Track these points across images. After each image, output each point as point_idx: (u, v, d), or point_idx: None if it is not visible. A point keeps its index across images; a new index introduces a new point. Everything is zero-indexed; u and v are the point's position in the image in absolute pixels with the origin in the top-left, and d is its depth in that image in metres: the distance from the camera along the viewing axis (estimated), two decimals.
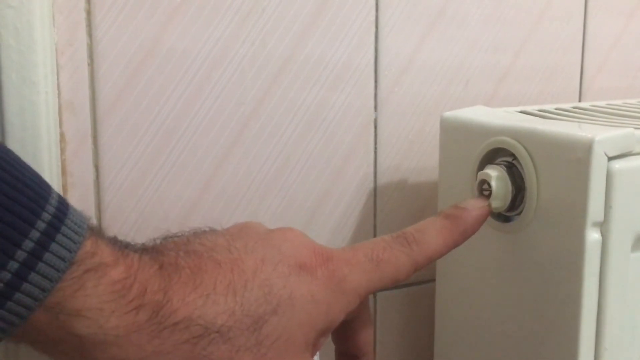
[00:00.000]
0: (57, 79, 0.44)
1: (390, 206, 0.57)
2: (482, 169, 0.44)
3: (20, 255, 0.27)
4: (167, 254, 0.33)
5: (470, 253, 0.47)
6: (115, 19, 0.46)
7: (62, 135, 0.45)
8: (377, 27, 0.55)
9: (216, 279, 0.32)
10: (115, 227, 0.47)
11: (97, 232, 0.31)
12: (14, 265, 0.27)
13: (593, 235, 0.40)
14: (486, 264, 0.47)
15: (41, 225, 0.28)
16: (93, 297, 0.29)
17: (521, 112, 0.51)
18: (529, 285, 0.44)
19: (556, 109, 0.54)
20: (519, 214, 0.44)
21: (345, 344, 0.41)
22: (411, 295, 0.58)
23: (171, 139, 0.48)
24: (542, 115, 0.50)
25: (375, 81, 0.55)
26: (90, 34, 0.45)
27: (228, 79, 0.50)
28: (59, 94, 0.45)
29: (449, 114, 0.50)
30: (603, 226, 0.40)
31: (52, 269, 0.28)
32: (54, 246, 0.28)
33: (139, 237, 0.48)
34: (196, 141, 0.49)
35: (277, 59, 0.51)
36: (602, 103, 0.57)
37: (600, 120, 0.48)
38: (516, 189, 0.43)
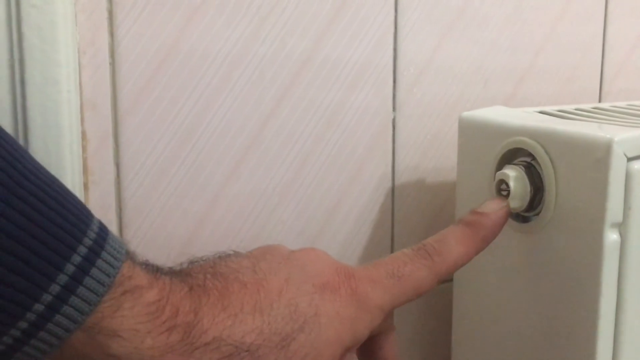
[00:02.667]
0: (79, 78, 0.45)
1: (408, 206, 0.57)
2: (501, 169, 0.44)
3: (62, 278, 0.28)
4: (195, 277, 0.33)
5: (487, 253, 0.47)
6: (137, 19, 0.46)
7: (83, 133, 0.46)
8: (396, 27, 0.55)
9: (243, 300, 0.33)
10: (136, 224, 0.48)
11: (132, 256, 0.32)
12: (55, 288, 0.28)
13: (612, 236, 0.40)
14: (504, 265, 0.47)
15: (82, 250, 0.29)
16: (129, 318, 0.30)
17: (540, 112, 0.51)
18: (547, 286, 0.44)
19: (575, 109, 0.53)
20: (537, 214, 0.43)
21: None
22: (428, 296, 0.58)
23: (191, 137, 0.49)
24: (561, 115, 0.50)
25: (394, 81, 0.56)
26: (112, 34, 0.46)
27: (247, 78, 0.50)
28: (81, 92, 0.45)
29: (467, 114, 0.49)
30: (622, 227, 0.40)
31: (91, 293, 0.29)
32: (94, 271, 0.29)
33: (159, 234, 0.48)
34: (216, 139, 0.49)
35: (296, 59, 0.51)
36: (623, 104, 0.56)
37: (620, 121, 0.48)
38: (534, 189, 0.43)
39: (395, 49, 0.55)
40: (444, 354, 0.59)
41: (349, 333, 0.35)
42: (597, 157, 0.39)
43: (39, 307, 0.28)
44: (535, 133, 0.43)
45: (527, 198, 0.43)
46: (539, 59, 0.61)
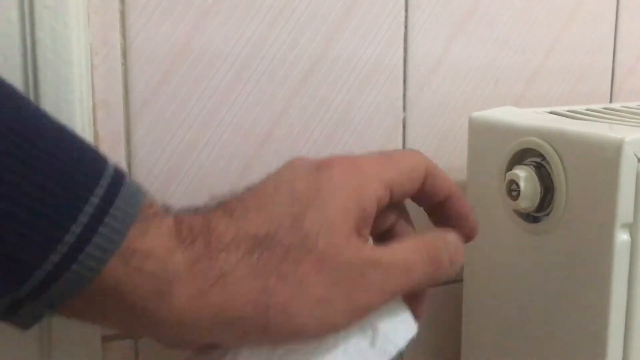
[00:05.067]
0: (92, 78, 0.45)
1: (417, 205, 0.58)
2: (511, 170, 0.44)
3: (94, 200, 0.30)
4: (198, 207, 0.36)
5: (497, 253, 0.47)
6: (148, 20, 0.46)
7: (95, 133, 0.46)
8: (406, 27, 0.55)
9: (245, 205, 0.35)
10: None
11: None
12: (88, 209, 0.30)
13: (622, 237, 0.40)
14: (514, 265, 0.47)
15: (107, 178, 0.31)
16: (158, 238, 0.32)
17: (551, 112, 0.51)
18: (557, 286, 0.44)
19: (586, 109, 0.53)
20: (548, 214, 0.43)
21: None
22: (438, 296, 0.59)
23: (202, 137, 0.49)
24: (571, 115, 0.50)
25: (404, 81, 0.56)
26: (123, 34, 0.46)
27: (258, 78, 0.50)
28: (93, 93, 0.46)
29: (477, 114, 0.50)
30: (632, 227, 0.40)
31: (121, 222, 0.31)
32: (124, 191, 0.31)
33: None
34: (226, 140, 0.50)
35: (307, 58, 0.52)
36: (634, 104, 0.56)
37: (631, 122, 0.48)
38: (545, 189, 0.43)
39: (405, 49, 0.55)
40: (453, 353, 0.59)
41: (353, 201, 0.36)
42: (607, 157, 0.39)
43: (76, 228, 0.29)
44: (545, 133, 0.43)
45: (537, 198, 0.43)
46: (550, 59, 0.61)
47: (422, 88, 0.56)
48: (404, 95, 0.56)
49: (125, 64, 0.46)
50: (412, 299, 0.40)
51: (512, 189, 0.43)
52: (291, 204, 0.35)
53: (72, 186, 0.30)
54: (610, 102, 0.65)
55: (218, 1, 0.48)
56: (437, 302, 0.59)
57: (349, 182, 0.36)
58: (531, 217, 0.45)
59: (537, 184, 0.43)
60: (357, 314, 0.35)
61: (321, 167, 0.37)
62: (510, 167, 0.45)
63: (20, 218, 0.28)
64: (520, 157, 0.45)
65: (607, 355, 0.41)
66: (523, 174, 0.43)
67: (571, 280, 0.43)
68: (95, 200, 0.30)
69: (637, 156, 0.39)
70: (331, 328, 0.35)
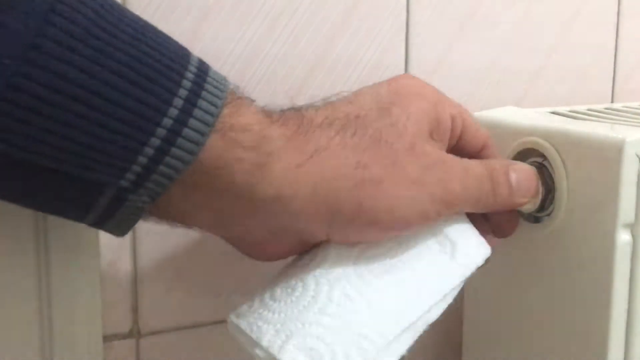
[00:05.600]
0: None
1: None
2: None
3: (189, 76, 0.31)
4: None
5: (499, 253, 0.47)
6: (150, 19, 0.46)
7: None
8: (407, 28, 0.55)
9: (331, 102, 0.36)
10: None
11: None
12: (186, 84, 0.30)
13: (623, 237, 0.40)
14: (515, 264, 0.47)
15: (192, 69, 0.31)
16: (250, 115, 0.32)
17: (552, 112, 0.51)
18: (559, 286, 0.44)
19: (588, 110, 0.53)
20: (549, 214, 0.43)
21: None
22: None
23: None
24: (573, 116, 0.50)
25: None
26: None
27: (260, 78, 0.50)
28: None
29: (479, 114, 0.50)
30: (634, 227, 0.40)
31: (215, 97, 0.31)
32: (210, 80, 0.32)
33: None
34: None
35: (308, 59, 0.52)
36: (635, 104, 0.56)
37: (632, 122, 0.48)
38: (546, 189, 0.43)
39: (406, 49, 0.55)
40: (454, 353, 0.59)
41: (432, 109, 0.37)
42: (609, 157, 0.39)
43: (177, 102, 0.30)
44: (547, 133, 0.43)
45: (539, 198, 0.43)
46: (551, 60, 0.61)
47: None
48: None
49: None
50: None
51: None
52: (376, 101, 0.36)
53: (170, 64, 0.30)
54: (612, 102, 0.65)
55: (219, 1, 0.48)
56: None
57: (428, 91, 0.38)
58: (532, 217, 0.45)
59: (539, 184, 0.43)
60: (446, 205, 0.36)
61: (400, 77, 0.39)
62: None
63: (127, 94, 0.29)
64: (522, 157, 0.45)
65: (609, 356, 0.41)
66: None
67: (572, 280, 0.43)
68: (190, 76, 0.31)
69: (638, 156, 0.39)
70: (422, 214, 0.35)
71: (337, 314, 0.34)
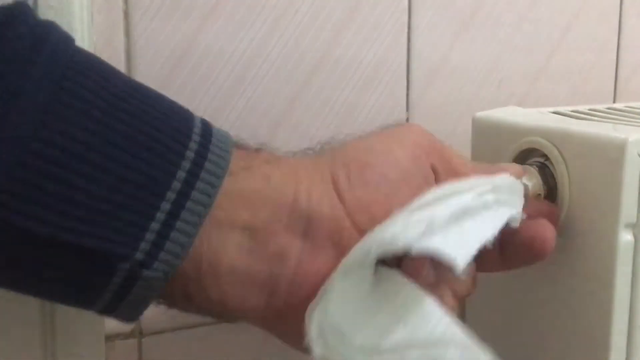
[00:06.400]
0: None
1: None
2: None
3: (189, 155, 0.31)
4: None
5: None
6: (152, 20, 0.47)
7: None
8: (409, 27, 0.55)
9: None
10: None
11: None
12: (190, 154, 0.30)
13: (625, 237, 0.40)
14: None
15: (195, 140, 0.31)
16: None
17: (554, 112, 0.51)
18: (560, 287, 0.44)
19: (590, 109, 0.53)
20: None
21: None
22: None
23: None
24: (575, 116, 0.50)
25: (407, 82, 0.56)
26: (127, 34, 0.46)
27: (261, 78, 0.50)
28: None
29: (481, 114, 0.49)
30: (636, 228, 0.40)
31: (218, 167, 0.31)
32: (212, 154, 0.31)
33: None
34: None
35: (310, 59, 0.52)
36: (638, 104, 0.56)
37: (634, 122, 0.48)
38: (548, 189, 0.43)
39: (408, 49, 0.55)
40: None
41: (425, 139, 0.38)
42: (611, 157, 0.39)
43: (171, 195, 0.29)
44: (549, 133, 0.43)
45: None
46: (554, 59, 0.61)
47: (425, 88, 0.56)
48: (407, 95, 0.56)
49: (129, 64, 0.46)
50: None
51: None
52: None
53: (174, 133, 0.30)
54: (614, 102, 0.65)
55: (221, 1, 0.48)
56: None
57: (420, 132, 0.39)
58: None
59: (541, 184, 0.43)
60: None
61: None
62: None
63: (129, 173, 0.29)
64: (524, 157, 0.45)
65: (610, 356, 0.41)
66: (526, 174, 0.43)
67: (574, 280, 0.43)
68: (194, 145, 0.31)
69: None
70: None
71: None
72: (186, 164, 0.30)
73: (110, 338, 0.48)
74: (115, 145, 0.28)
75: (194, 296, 0.32)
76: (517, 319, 0.48)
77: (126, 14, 0.46)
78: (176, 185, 0.29)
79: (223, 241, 0.31)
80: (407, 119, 0.56)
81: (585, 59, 0.63)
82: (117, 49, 0.46)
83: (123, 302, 0.30)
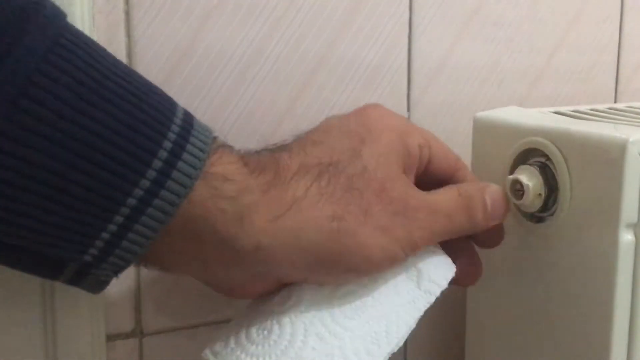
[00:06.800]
0: None
1: None
2: (515, 170, 0.44)
3: (174, 128, 0.31)
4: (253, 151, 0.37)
5: (502, 253, 0.47)
6: (153, 20, 0.47)
7: None
8: (410, 27, 0.55)
9: (302, 143, 0.37)
10: None
11: None
12: (171, 135, 0.31)
13: (626, 237, 0.40)
14: (518, 264, 0.47)
15: (177, 122, 0.32)
16: (231, 165, 0.33)
17: (555, 112, 0.51)
18: (561, 286, 0.44)
19: (591, 109, 0.53)
20: (552, 214, 0.43)
21: None
22: (441, 296, 0.58)
23: None
24: (576, 115, 0.50)
25: (408, 81, 0.56)
26: (128, 34, 0.46)
27: (262, 78, 0.50)
28: None
29: (482, 114, 0.50)
30: (637, 227, 0.40)
31: (199, 150, 0.32)
32: (196, 122, 0.33)
33: None
34: (230, 140, 0.50)
35: (311, 58, 0.52)
36: (638, 104, 0.56)
37: (635, 122, 0.48)
38: (549, 189, 0.43)
39: (409, 49, 0.55)
40: (457, 353, 0.59)
41: (400, 142, 0.38)
42: (612, 157, 0.39)
43: (163, 153, 0.30)
44: (550, 133, 0.43)
45: (542, 198, 0.43)
46: (554, 59, 0.61)
47: (426, 88, 0.56)
48: (408, 95, 0.56)
49: (130, 63, 0.47)
50: (452, 250, 0.42)
51: (517, 189, 0.43)
52: (347, 138, 0.37)
53: (156, 116, 0.31)
54: (615, 102, 0.65)
55: (222, 1, 0.48)
56: (442, 302, 0.59)
57: (395, 124, 0.39)
58: (535, 217, 0.45)
59: (542, 184, 0.43)
60: (413, 248, 0.37)
61: (366, 107, 0.39)
62: (514, 167, 0.45)
63: (113, 145, 0.29)
64: (525, 157, 0.45)
65: (611, 356, 0.41)
66: (527, 174, 0.43)
67: (575, 279, 0.43)
68: (175, 128, 0.31)
69: None
70: (392, 258, 0.36)
71: (312, 358, 0.35)
72: (163, 153, 0.30)
73: (111, 338, 0.48)
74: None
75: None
76: (517, 319, 0.48)
77: (127, 14, 0.46)
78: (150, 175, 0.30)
79: None
80: (409, 119, 0.56)
81: (586, 59, 0.63)
82: (118, 49, 0.46)
83: (80, 285, 0.32)
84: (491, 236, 0.43)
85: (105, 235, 0.30)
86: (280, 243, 0.33)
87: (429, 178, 0.41)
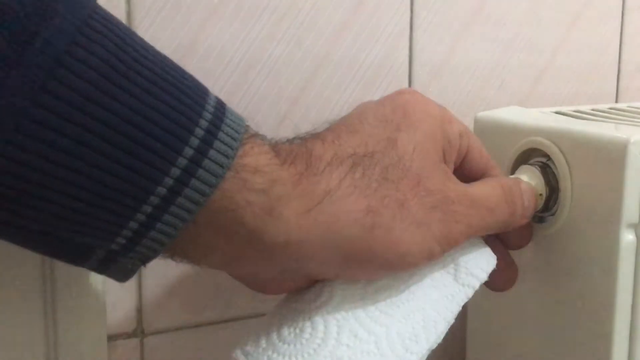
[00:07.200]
0: None
1: None
2: (516, 170, 0.44)
3: (207, 115, 0.30)
4: (285, 139, 0.35)
5: None
6: (154, 20, 0.47)
7: None
8: (411, 27, 0.55)
9: (336, 132, 0.35)
10: None
11: None
12: (203, 123, 0.30)
13: (627, 237, 0.40)
14: (519, 264, 0.47)
15: (209, 109, 0.30)
16: (261, 156, 0.31)
17: (556, 112, 0.51)
18: (563, 286, 0.44)
19: (592, 109, 0.53)
20: (553, 214, 0.43)
21: None
22: None
23: None
24: (577, 115, 0.50)
25: (410, 81, 0.56)
26: None
27: (264, 78, 0.50)
28: None
29: (483, 114, 0.50)
30: (638, 227, 0.40)
31: (232, 139, 0.30)
32: (229, 110, 0.32)
33: None
34: None
35: (312, 59, 0.52)
36: None
37: (637, 122, 0.48)
38: (550, 189, 0.43)
39: (410, 49, 0.55)
40: (458, 354, 0.59)
41: (440, 130, 0.37)
42: (613, 157, 0.39)
43: (194, 141, 0.29)
44: (551, 133, 0.43)
45: (543, 198, 0.43)
46: (556, 59, 0.61)
47: (427, 88, 0.56)
48: None
49: None
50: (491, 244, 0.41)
51: None
52: (382, 126, 0.35)
53: (188, 102, 0.29)
54: (616, 102, 0.65)
55: (223, 2, 0.48)
56: None
57: (433, 111, 0.37)
58: (536, 217, 0.45)
59: (543, 184, 0.43)
60: (450, 244, 0.36)
61: (403, 92, 0.38)
62: (515, 167, 0.45)
63: (143, 131, 0.28)
64: (526, 157, 0.45)
65: (612, 356, 0.41)
66: (528, 174, 0.43)
67: (576, 280, 0.43)
68: (208, 115, 0.30)
69: None
70: (429, 254, 0.35)
71: (347, 356, 0.34)
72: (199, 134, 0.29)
73: (112, 337, 0.48)
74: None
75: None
76: (518, 319, 0.48)
77: (129, 14, 0.46)
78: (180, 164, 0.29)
79: None
80: None
81: (588, 58, 0.63)
82: None
83: (108, 272, 0.31)
84: (522, 235, 0.43)
85: (133, 224, 0.29)
86: (311, 237, 0.32)
87: (463, 172, 0.39)
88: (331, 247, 0.33)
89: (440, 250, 0.35)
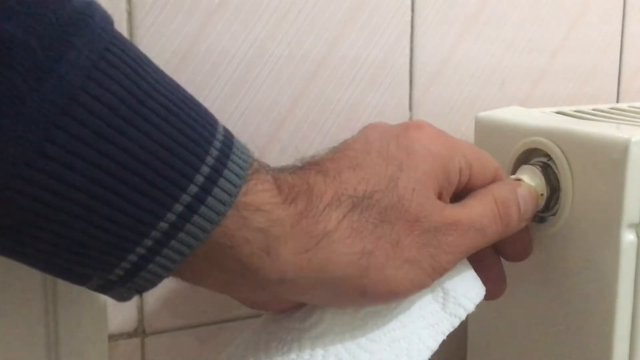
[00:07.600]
0: None
1: None
2: (517, 170, 0.44)
3: (210, 160, 0.30)
4: (287, 167, 0.36)
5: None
6: (155, 20, 0.47)
7: None
8: (412, 27, 0.55)
9: (338, 165, 0.35)
10: None
11: None
12: (209, 160, 0.30)
13: (628, 237, 0.40)
14: (519, 264, 0.47)
15: (217, 145, 0.30)
16: (262, 194, 0.31)
17: (557, 112, 0.51)
18: (563, 286, 0.44)
19: (593, 109, 0.53)
20: (554, 214, 0.43)
21: None
22: None
23: None
24: (578, 115, 0.50)
25: (411, 81, 0.56)
26: (131, 34, 0.46)
27: (264, 78, 0.50)
28: None
29: (483, 114, 0.50)
30: (639, 227, 0.40)
31: (240, 169, 0.31)
32: (236, 145, 0.31)
33: None
34: None
35: (313, 59, 0.52)
36: None
37: (638, 122, 0.47)
38: (551, 189, 0.43)
39: (411, 49, 0.55)
40: (459, 354, 0.59)
41: (441, 169, 0.37)
42: (614, 157, 0.39)
43: (199, 178, 0.29)
44: (552, 133, 0.43)
45: (544, 198, 0.43)
46: (557, 59, 0.61)
47: (428, 88, 0.56)
48: (410, 95, 0.56)
49: None
50: (480, 266, 0.41)
51: None
52: (385, 165, 0.36)
53: (197, 138, 0.30)
54: (617, 102, 0.65)
55: (224, 1, 0.48)
56: None
57: (437, 148, 0.37)
58: (537, 217, 0.45)
59: (544, 184, 0.43)
60: (441, 273, 0.36)
61: (410, 128, 0.38)
62: (516, 167, 0.45)
63: (150, 167, 0.28)
64: (527, 157, 0.45)
65: (613, 356, 0.41)
66: (529, 174, 0.43)
67: (577, 279, 0.43)
68: (215, 152, 0.30)
69: None
70: (420, 287, 0.36)
71: None
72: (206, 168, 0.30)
73: (113, 337, 0.48)
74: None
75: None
76: (519, 319, 0.48)
77: (129, 14, 0.46)
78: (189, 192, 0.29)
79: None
80: (410, 119, 0.56)
81: (589, 59, 0.63)
82: None
83: (109, 293, 0.31)
84: (520, 250, 0.43)
85: (132, 257, 0.29)
86: (305, 276, 0.33)
87: (463, 192, 0.40)
88: (324, 285, 0.33)
89: (431, 281, 0.36)
